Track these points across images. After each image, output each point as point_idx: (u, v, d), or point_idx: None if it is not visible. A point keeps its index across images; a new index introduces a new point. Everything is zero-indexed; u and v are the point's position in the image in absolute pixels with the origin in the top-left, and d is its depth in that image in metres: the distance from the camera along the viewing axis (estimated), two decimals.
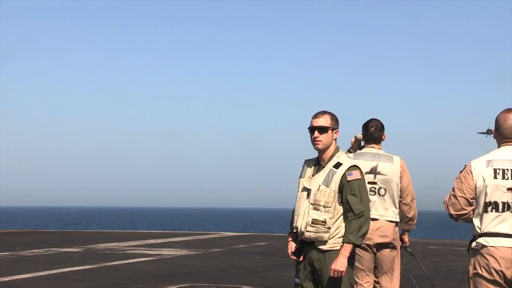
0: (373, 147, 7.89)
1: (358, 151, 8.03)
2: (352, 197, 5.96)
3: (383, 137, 7.91)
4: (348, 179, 6.00)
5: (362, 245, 7.05)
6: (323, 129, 6.10)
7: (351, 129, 8.07)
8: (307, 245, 6.09)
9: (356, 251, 7.38)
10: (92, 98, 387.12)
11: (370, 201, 7.48)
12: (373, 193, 7.67)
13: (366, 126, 7.96)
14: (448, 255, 19.77)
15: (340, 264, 5.89)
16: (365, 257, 7.69)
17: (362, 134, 8.02)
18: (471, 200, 5.64)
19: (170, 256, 18.04)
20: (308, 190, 6.11)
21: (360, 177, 6.02)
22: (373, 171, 7.75)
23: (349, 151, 8.09)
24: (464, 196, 5.63)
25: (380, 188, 7.66)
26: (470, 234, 5.73)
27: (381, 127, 7.89)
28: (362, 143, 8.06)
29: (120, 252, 19.12)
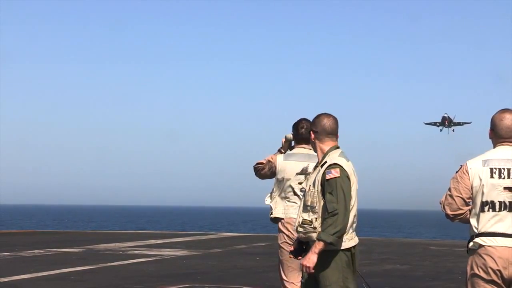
0: (303, 147, 7.98)
1: (289, 151, 8.10)
2: (329, 196, 5.97)
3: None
4: (327, 178, 6.01)
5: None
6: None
7: (349, 129, 8.11)
8: (306, 245, 6.14)
9: (288, 250, 7.51)
10: (91, 97, 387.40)
11: None
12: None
13: (296, 127, 8.04)
14: (448, 256, 19.77)
15: (307, 260, 5.93)
16: None
17: (292, 134, 8.08)
18: (467, 200, 5.66)
19: (170, 257, 18.04)
20: (304, 191, 6.23)
21: (338, 175, 5.99)
22: (304, 172, 7.86)
23: (279, 151, 8.16)
24: (460, 196, 5.65)
25: None
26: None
27: None
28: (293, 143, 8.13)
29: (120, 252, 19.11)
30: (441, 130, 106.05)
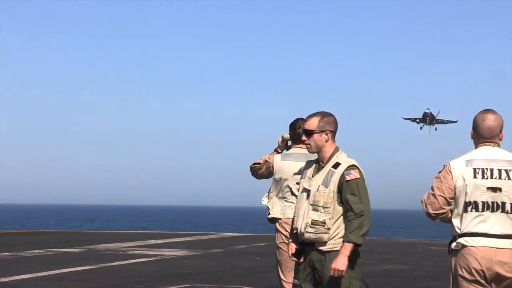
0: (300, 147, 7.93)
1: (286, 151, 8.07)
2: (352, 197, 5.96)
3: None
4: (347, 179, 6.00)
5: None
6: (309, 133, 6.14)
7: (348, 128, 8.08)
8: (307, 246, 6.09)
9: (286, 250, 7.50)
10: (94, 97, 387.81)
11: None
12: None
13: (293, 126, 7.99)
14: (448, 256, 19.70)
15: (340, 263, 5.89)
16: None
17: (289, 134, 8.05)
18: (449, 200, 5.67)
19: (170, 257, 18.04)
20: (307, 191, 6.12)
21: (358, 176, 6.02)
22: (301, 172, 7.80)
23: (276, 150, 8.12)
24: (443, 195, 5.65)
25: None
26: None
27: None
28: (289, 142, 8.11)
29: (121, 252, 19.11)
30: (421, 128, 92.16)
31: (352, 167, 6.04)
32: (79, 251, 19.47)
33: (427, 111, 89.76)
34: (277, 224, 8.01)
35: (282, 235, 7.94)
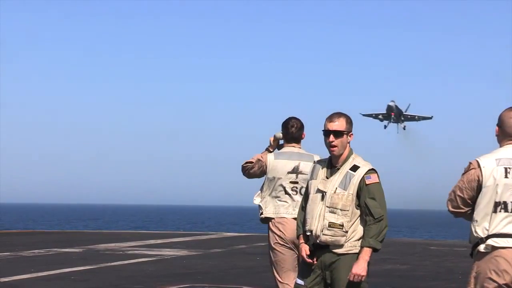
0: (293, 146, 7.91)
1: (278, 150, 8.04)
2: (371, 201, 5.92)
3: (302, 136, 7.94)
4: (367, 183, 5.96)
5: (287, 245, 7.40)
6: (338, 134, 6.05)
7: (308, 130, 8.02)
8: (319, 249, 6.04)
9: (281, 250, 7.50)
10: (92, 96, 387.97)
11: (294, 201, 7.61)
12: (295, 192, 7.72)
13: (286, 125, 7.95)
14: (448, 256, 19.76)
15: (361, 269, 5.89)
16: (289, 257, 7.72)
17: (282, 133, 8.04)
18: (469, 201, 5.59)
19: (170, 257, 18.04)
20: (322, 193, 6.04)
21: (378, 180, 6.00)
22: (295, 171, 7.78)
23: (268, 149, 8.08)
24: (462, 196, 5.59)
25: (302, 187, 7.66)
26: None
27: (301, 126, 7.92)
28: (281, 141, 8.09)
29: (121, 252, 19.10)
30: (385, 126, 77.30)
31: (372, 171, 6.02)
32: (79, 251, 19.46)
33: (391, 104, 73.89)
34: (270, 223, 7.90)
35: (275, 235, 7.87)
